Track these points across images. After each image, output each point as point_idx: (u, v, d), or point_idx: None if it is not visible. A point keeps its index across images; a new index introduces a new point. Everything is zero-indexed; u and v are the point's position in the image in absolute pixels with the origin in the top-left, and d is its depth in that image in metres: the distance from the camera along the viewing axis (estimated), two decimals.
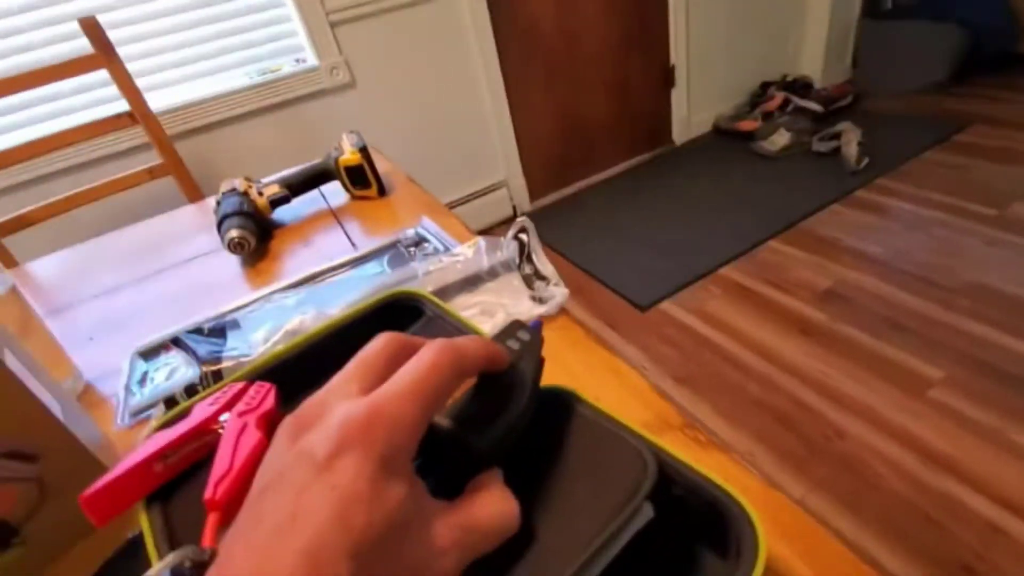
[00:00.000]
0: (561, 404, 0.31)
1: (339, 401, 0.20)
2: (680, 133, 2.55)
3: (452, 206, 2.09)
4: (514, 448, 0.24)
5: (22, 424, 0.33)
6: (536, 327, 0.28)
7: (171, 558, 0.17)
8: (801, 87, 2.50)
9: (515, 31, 1.96)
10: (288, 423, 0.20)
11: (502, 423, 0.23)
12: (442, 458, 0.21)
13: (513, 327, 0.28)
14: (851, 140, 2.07)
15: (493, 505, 0.21)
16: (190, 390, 0.40)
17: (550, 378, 0.29)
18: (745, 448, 1.17)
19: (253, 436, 0.27)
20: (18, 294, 0.52)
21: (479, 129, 2.04)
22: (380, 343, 0.23)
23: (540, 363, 0.27)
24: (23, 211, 1.11)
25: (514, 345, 0.26)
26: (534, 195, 2.30)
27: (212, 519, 0.24)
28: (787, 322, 1.47)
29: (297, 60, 1.67)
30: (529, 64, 2.05)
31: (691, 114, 2.53)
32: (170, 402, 0.40)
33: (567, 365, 0.45)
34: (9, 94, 1.07)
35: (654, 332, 1.54)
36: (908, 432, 1.13)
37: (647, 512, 0.24)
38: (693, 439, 0.37)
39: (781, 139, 2.25)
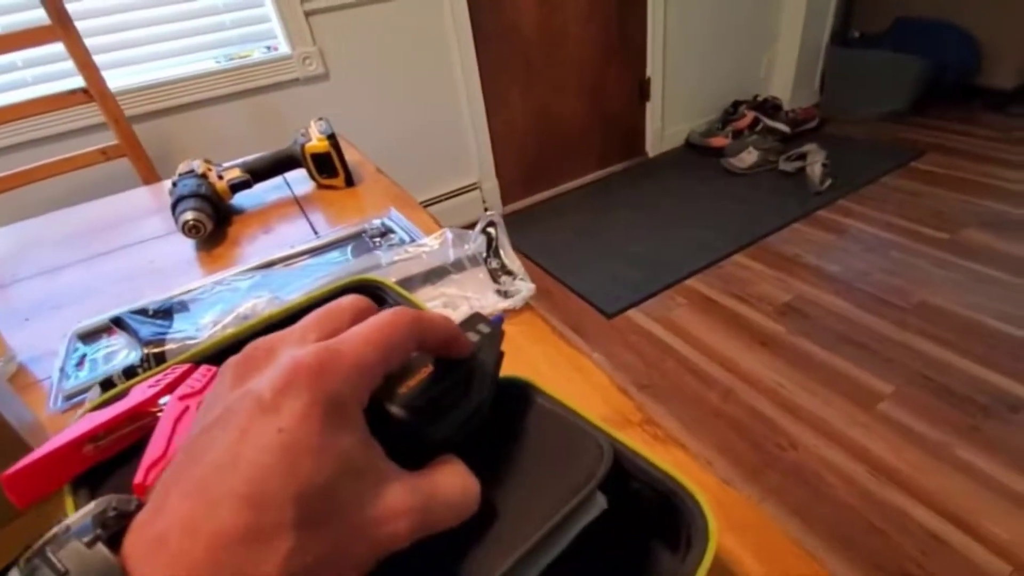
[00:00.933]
0: (519, 393, 0.30)
1: (291, 346, 0.19)
2: (653, 145, 2.59)
3: (424, 205, 2.06)
4: (471, 437, 0.23)
5: None
6: (497, 321, 0.28)
7: (92, 506, 0.15)
8: (771, 108, 2.58)
9: (495, 29, 1.96)
10: (233, 363, 0.19)
11: (458, 413, 0.22)
12: (397, 447, 0.20)
13: (474, 319, 0.27)
14: (816, 161, 2.14)
15: (455, 478, 0.20)
16: (129, 372, 0.38)
17: (513, 371, 0.28)
18: (703, 455, 1.19)
19: None
20: None
21: (454, 128, 2.03)
22: (347, 300, 0.22)
23: (499, 356, 0.26)
24: None
25: (474, 337, 0.25)
26: (507, 199, 2.30)
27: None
28: (748, 334, 1.51)
29: (268, 48, 1.62)
30: (508, 63, 2.05)
31: (664, 127, 2.58)
32: (107, 384, 0.38)
33: (531, 360, 0.44)
34: None
35: (619, 339, 1.55)
36: (857, 444, 1.16)
37: (600, 503, 0.23)
38: (652, 435, 0.37)
39: (750, 157, 2.32)
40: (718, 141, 2.48)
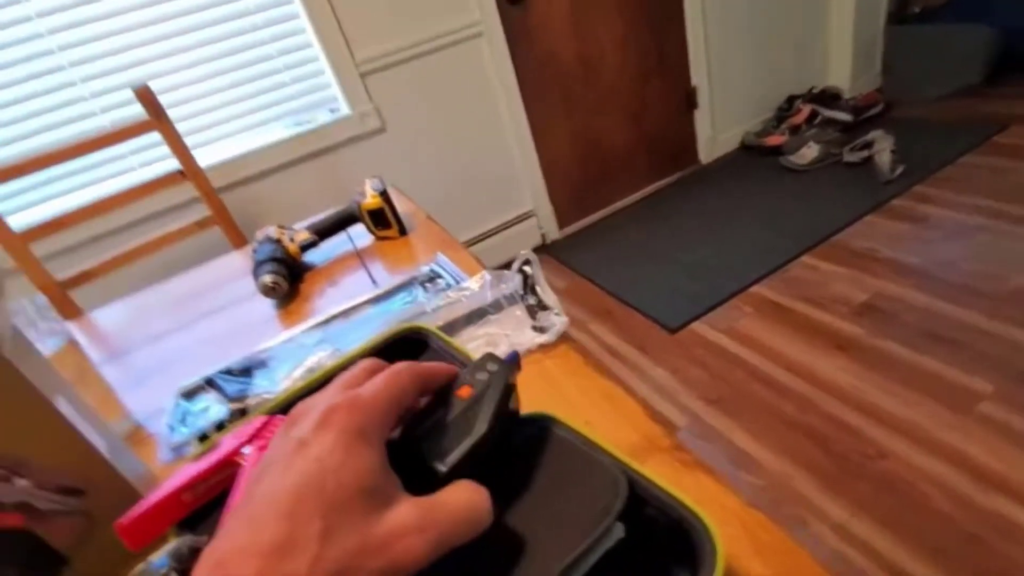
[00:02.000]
0: (541, 429, 0.33)
1: (325, 401, 0.23)
2: (706, 152, 2.55)
3: (482, 238, 2.15)
4: (479, 469, 0.26)
5: (72, 462, 0.38)
6: (510, 360, 0.31)
7: (171, 545, 0.20)
8: (829, 98, 2.46)
9: (534, 65, 2.03)
10: (284, 421, 0.24)
11: (463, 447, 0.26)
12: (413, 478, 0.24)
13: (484, 359, 0.30)
14: (883, 148, 2.02)
15: (461, 492, 0.23)
16: (220, 426, 0.44)
17: (547, 403, 0.32)
18: (781, 470, 1.15)
19: None
20: (76, 345, 0.59)
21: (505, 162, 2.11)
22: (362, 364, 0.28)
23: (507, 391, 0.29)
24: (87, 267, 1.22)
25: (482, 376, 0.29)
26: (562, 222, 2.34)
27: None
28: (823, 338, 1.44)
29: (331, 110, 1.78)
30: (549, 96, 2.11)
31: (716, 133, 2.53)
32: (203, 438, 0.45)
33: (563, 391, 0.47)
34: (74, 158, 1.20)
35: (684, 354, 1.53)
36: (955, 449, 1.08)
37: (617, 532, 0.25)
38: (679, 460, 0.39)
39: (810, 152, 2.22)
40: (774, 140, 2.40)
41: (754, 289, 1.69)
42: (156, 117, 1.24)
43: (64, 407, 0.40)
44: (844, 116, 2.38)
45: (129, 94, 1.22)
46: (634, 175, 2.44)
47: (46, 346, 0.64)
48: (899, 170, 1.98)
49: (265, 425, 0.37)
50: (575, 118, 2.20)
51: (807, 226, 1.89)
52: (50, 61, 1.42)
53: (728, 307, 1.66)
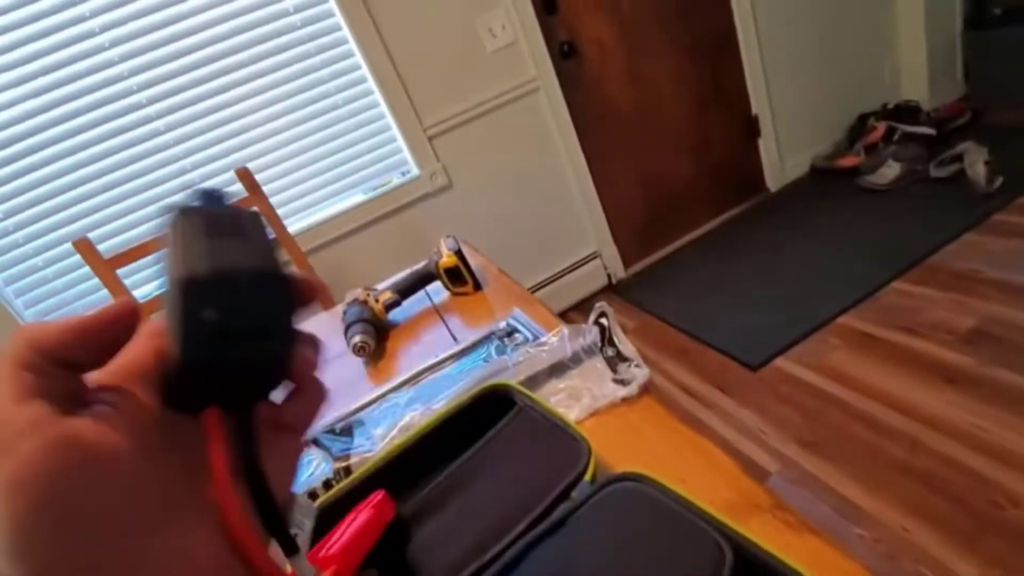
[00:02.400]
0: (635, 491, 0.34)
1: None
2: (774, 180, 2.48)
3: (549, 281, 2.18)
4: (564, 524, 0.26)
5: None
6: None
7: None
8: (907, 113, 2.34)
9: (591, 112, 2.09)
10: None
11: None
12: None
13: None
14: (977, 160, 1.89)
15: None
16: (327, 484, 0.48)
17: (636, 459, 0.32)
18: (894, 522, 1.05)
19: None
20: None
21: (567, 207, 2.15)
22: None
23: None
24: None
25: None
26: (628, 262, 2.32)
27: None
28: (927, 370, 1.33)
29: (402, 173, 1.90)
30: (608, 139, 2.15)
31: (784, 159, 2.46)
32: (312, 494, 0.48)
33: (652, 445, 0.47)
34: None
35: (770, 393, 1.45)
36: None
37: None
38: (783, 521, 0.37)
39: (890, 171, 2.11)
40: (848, 161, 2.30)
41: (841, 320, 1.60)
42: (253, 192, 1.38)
43: None
44: (927, 130, 2.24)
45: (228, 173, 1.37)
46: (699, 209, 2.40)
47: None
48: (998, 182, 1.83)
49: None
50: (635, 158, 2.22)
51: (896, 249, 1.77)
52: (159, 140, 1.61)
53: (813, 340, 1.57)
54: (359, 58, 1.74)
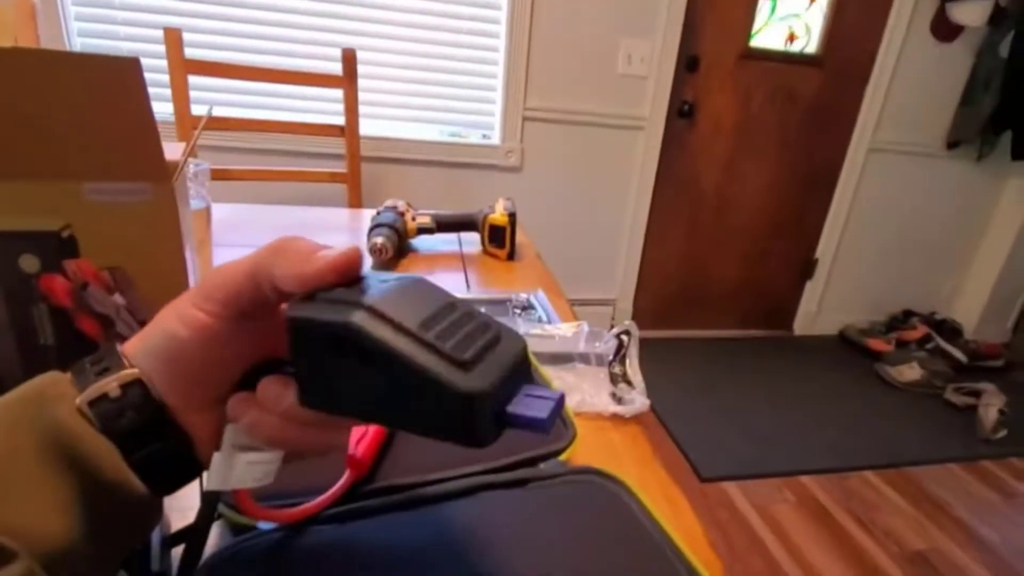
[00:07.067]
0: (612, 493, 0.31)
1: None
2: (802, 326, 2.46)
3: None
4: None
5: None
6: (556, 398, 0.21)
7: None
8: (948, 330, 2.34)
9: (677, 175, 2.08)
10: None
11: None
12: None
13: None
14: (992, 404, 1.87)
15: None
16: None
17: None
18: None
19: None
20: (208, 218, 0.63)
21: (610, 247, 2.13)
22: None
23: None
24: (231, 168, 1.33)
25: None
26: (638, 325, 2.29)
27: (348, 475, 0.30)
28: (861, 567, 1.29)
29: (484, 135, 1.89)
30: (678, 210, 2.14)
31: (820, 311, 2.45)
32: None
33: (623, 470, 0.44)
34: (269, 81, 1.33)
35: (706, 509, 1.42)
36: None
37: None
38: None
39: (911, 372, 2.09)
40: (878, 344, 2.29)
41: (803, 479, 1.57)
42: (348, 77, 1.36)
43: (188, 256, 0.42)
44: (959, 355, 2.24)
45: (334, 50, 1.35)
46: (724, 313, 2.39)
47: (192, 203, 0.68)
48: (1002, 433, 1.81)
49: None
50: (692, 237, 2.21)
51: (884, 443, 1.75)
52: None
53: (770, 484, 1.53)
54: (504, 12, 1.74)
